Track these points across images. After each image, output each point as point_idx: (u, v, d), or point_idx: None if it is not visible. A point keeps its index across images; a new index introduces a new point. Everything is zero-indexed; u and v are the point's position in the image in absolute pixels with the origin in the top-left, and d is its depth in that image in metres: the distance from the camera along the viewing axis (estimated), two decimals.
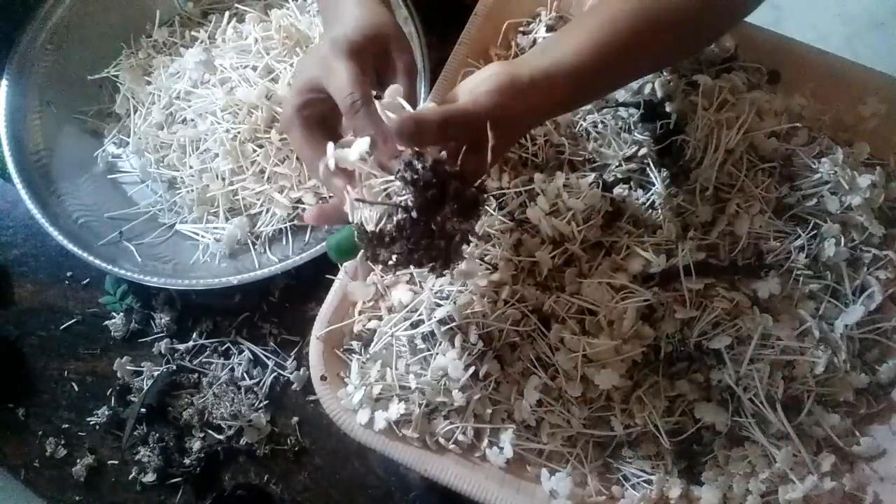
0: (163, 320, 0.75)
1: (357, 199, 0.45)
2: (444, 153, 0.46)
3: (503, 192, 0.66)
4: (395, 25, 0.54)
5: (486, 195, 0.48)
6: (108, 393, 0.74)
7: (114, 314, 0.76)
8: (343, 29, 0.50)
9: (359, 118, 0.47)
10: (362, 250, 0.46)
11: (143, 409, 0.72)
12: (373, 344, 0.62)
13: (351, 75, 0.48)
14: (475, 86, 0.49)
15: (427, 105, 0.50)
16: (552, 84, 0.50)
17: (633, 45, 0.52)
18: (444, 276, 0.59)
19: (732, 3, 0.55)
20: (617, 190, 0.65)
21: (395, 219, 0.44)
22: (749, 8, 0.57)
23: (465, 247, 0.48)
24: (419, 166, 0.43)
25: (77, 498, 0.72)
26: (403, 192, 0.43)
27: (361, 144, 0.45)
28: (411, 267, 0.46)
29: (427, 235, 0.44)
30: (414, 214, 0.43)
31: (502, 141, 0.49)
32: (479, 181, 0.48)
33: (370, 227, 0.44)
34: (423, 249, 0.44)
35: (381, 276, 0.63)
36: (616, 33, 0.51)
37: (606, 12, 0.52)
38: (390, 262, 0.46)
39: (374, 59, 0.51)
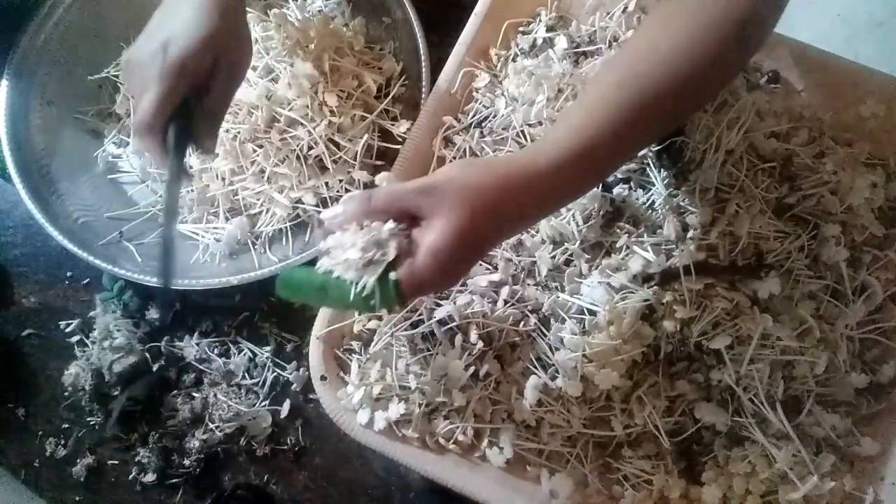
0: (151, 316, 0.75)
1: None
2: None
3: None
4: (227, 33, 0.58)
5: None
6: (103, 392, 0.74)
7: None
8: (174, 34, 0.56)
9: (143, 140, 0.57)
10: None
11: (134, 406, 0.72)
12: (373, 344, 0.62)
13: (158, 98, 0.55)
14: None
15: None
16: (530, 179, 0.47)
17: (628, 124, 0.49)
18: None
19: (731, 61, 0.53)
20: (617, 190, 0.65)
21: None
22: (744, 64, 0.57)
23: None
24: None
25: (77, 498, 0.72)
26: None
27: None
28: None
29: None
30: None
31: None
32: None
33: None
34: None
35: None
36: (606, 116, 0.49)
37: (595, 92, 0.51)
38: None
39: (199, 65, 0.57)
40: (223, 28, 0.57)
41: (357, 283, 0.46)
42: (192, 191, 0.75)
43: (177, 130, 0.58)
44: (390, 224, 0.46)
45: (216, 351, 0.74)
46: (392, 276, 0.45)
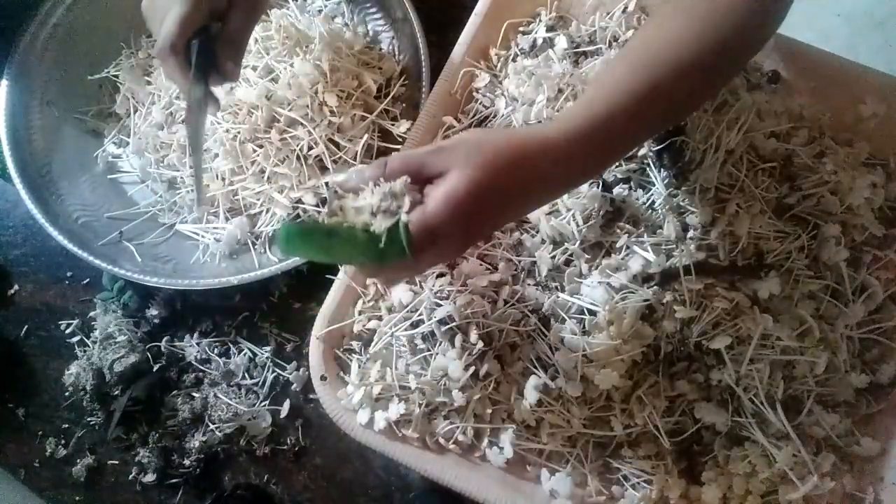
0: (151, 314, 0.75)
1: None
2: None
3: None
4: None
5: None
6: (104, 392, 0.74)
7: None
8: None
9: (166, 62, 0.59)
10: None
11: (134, 406, 0.72)
12: (373, 344, 0.62)
13: (180, 18, 0.57)
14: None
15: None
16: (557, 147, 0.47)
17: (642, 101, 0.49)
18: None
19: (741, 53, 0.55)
20: (617, 190, 0.65)
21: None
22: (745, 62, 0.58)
23: None
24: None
25: (77, 498, 0.72)
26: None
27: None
28: None
29: None
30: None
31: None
32: None
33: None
34: None
35: None
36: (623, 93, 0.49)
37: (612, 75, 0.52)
38: None
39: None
40: None
41: (368, 227, 0.45)
42: (193, 191, 0.75)
43: (199, 50, 0.59)
44: (406, 177, 0.46)
45: (216, 351, 0.74)
46: (403, 217, 0.44)
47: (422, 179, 0.46)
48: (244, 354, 0.74)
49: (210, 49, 0.60)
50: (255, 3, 0.63)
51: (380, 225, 0.44)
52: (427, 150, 0.47)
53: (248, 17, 0.62)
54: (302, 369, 0.73)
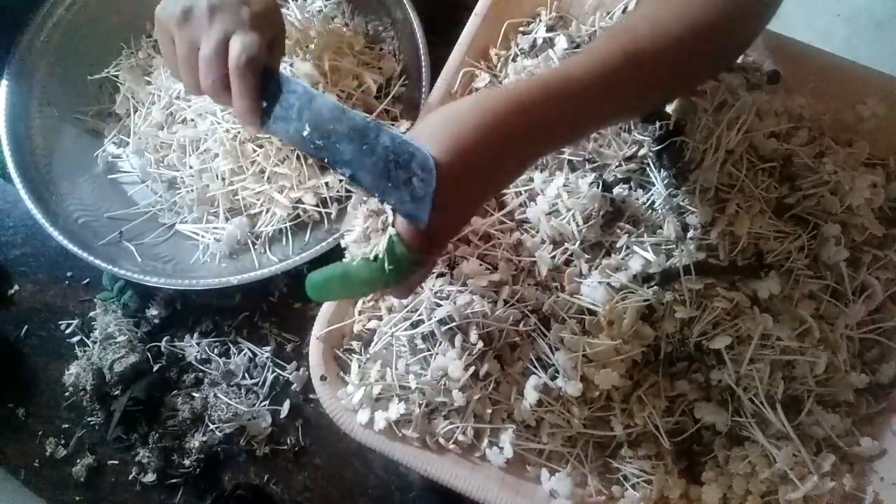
0: (151, 314, 0.75)
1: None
2: None
3: (503, 192, 0.66)
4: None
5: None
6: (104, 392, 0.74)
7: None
8: (251, 1, 0.57)
9: (241, 82, 0.53)
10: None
11: (134, 406, 0.72)
12: (373, 344, 0.62)
13: (260, 39, 0.55)
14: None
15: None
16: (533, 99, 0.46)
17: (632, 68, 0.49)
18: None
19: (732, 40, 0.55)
20: (617, 190, 0.65)
21: None
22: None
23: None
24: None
25: (77, 498, 0.72)
26: None
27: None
28: None
29: None
30: None
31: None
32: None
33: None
34: None
35: None
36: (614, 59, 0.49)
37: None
38: None
39: (276, 22, 0.60)
40: (278, 4, 0.62)
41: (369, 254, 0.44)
42: (193, 191, 0.75)
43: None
44: None
45: (216, 351, 0.74)
46: (390, 230, 0.44)
47: None
48: (244, 354, 0.74)
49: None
50: (283, 41, 0.62)
51: (377, 248, 0.44)
52: None
53: (279, 57, 0.61)
54: (302, 369, 0.73)
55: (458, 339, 0.59)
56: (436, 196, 0.42)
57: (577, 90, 0.47)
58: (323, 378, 0.60)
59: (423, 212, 0.43)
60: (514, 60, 0.72)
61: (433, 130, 0.44)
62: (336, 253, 0.68)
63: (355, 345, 0.63)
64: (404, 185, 0.43)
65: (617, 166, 0.66)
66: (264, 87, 0.54)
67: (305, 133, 0.49)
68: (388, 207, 0.44)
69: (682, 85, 0.60)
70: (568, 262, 0.63)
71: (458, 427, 0.59)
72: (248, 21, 0.55)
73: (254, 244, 0.75)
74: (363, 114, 0.47)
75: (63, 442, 0.73)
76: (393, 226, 0.44)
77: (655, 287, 0.60)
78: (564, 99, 0.47)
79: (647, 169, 0.65)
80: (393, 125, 0.75)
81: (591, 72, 0.48)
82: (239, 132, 0.74)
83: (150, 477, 0.71)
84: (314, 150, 0.49)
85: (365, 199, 0.46)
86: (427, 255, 0.45)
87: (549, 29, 0.72)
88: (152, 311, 0.75)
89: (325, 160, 0.48)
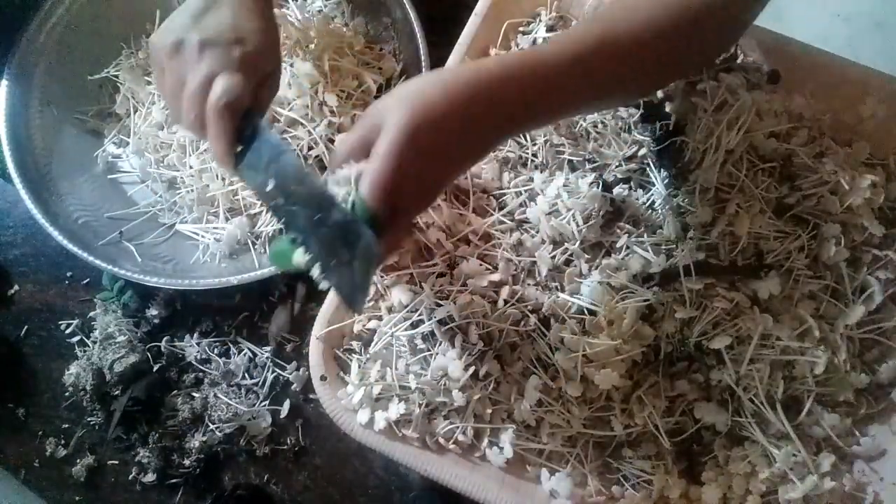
0: (151, 314, 0.75)
1: None
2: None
3: (503, 192, 0.66)
4: (276, 47, 0.60)
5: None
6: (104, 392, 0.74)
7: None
8: (247, 34, 0.55)
9: (216, 126, 0.52)
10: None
11: (134, 406, 0.72)
12: (373, 344, 0.62)
13: (244, 82, 0.53)
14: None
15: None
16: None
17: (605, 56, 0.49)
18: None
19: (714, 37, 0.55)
20: (617, 190, 0.65)
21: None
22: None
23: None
24: None
25: (77, 498, 0.72)
26: None
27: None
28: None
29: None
30: None
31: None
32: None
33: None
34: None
35: (381, 276, 0.63)
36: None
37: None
38: None
39: (266, 67, 0.57)
40: (277, 42, 0.60)
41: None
42: (193, 191, 0.75)
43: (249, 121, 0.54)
44: (349, 160, 0.46)
45: (216, 351, 0.74)
46: (353, 194, 0.44)
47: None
48: (244, 354, 0.74)
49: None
50: (276, 84, 0.61)
51: (348, 207, 0.44)
52: (360, 119, 0.47)
53: (270, 98, 0.60)
54: (302, 369, 0.73)
55: (458, 339, 0.59)
56: (395, 155, 0.43)
57: (546, 73, 0.48)
58: (323, 378, 0.60)
59: (358, 302, 0.43)
60: None
61: (399, 97, 0.45)
62: None
63: (355, 345, 0.63)
64: (346, 266, 0.43)
65: (617, 166, 0.66)
66: (243, 129, 0.53)
67: (269, 188, 0.49)
68: (352, 175, 0.44)
69: (665, 73, 0.59)
70: (568, 262, 0.63)
71: (458, 427, 0.59)
72: (237, 62, 0.54)
73: (254, 244, 0.75)
74: (323, 181, 0.47)
75: (63, 442, 0.73)
76: (357, 189, 0.44)
77: (655, 287, 0.60)
78: (532, 82, 0.47)
79: (647, 169, 0.65)
80: None
81: (563, 55, 0.48)
82: None
83: (150, 477, 0.71)
84: (273, 208, 0.49)
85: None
86: (393, 224, 0.45)
87: (549, 29, 0.72)
88: (152, 311, 0.75)
89: (280, 220, 0.48)
